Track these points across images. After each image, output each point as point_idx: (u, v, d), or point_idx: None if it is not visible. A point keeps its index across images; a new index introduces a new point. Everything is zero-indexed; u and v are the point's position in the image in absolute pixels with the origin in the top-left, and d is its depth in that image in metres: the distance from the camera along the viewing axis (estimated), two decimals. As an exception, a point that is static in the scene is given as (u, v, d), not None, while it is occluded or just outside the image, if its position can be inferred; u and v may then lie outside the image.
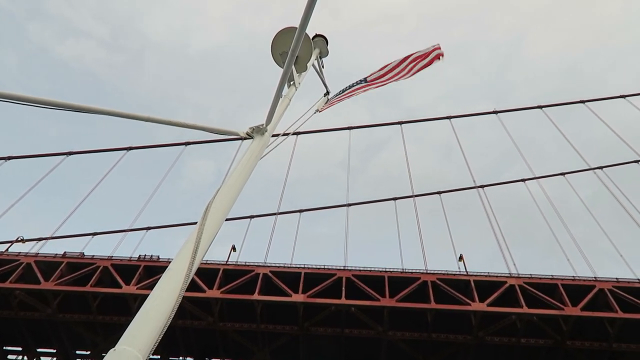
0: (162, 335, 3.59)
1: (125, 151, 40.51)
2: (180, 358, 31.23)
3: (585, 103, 47.50)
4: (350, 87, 9.25)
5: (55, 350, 31.61)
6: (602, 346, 25.59)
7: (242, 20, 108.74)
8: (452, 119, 45.76)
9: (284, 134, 6.90)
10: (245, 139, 6.04)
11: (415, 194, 40.56)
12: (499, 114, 46.48)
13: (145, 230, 37.93)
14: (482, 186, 42.17)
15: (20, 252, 29.55)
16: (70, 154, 39.97)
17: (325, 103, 8.53)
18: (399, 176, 41.34)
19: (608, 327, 25.15)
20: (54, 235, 35.34)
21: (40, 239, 35.35)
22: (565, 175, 44.28)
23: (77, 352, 31.50)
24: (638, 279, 26.66)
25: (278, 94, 6.00)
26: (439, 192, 42.54)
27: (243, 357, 29.84)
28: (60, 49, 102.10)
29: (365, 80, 9.41)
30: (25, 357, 31.61)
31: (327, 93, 8.62)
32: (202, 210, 4.47)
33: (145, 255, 29.38)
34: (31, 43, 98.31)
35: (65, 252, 29.55)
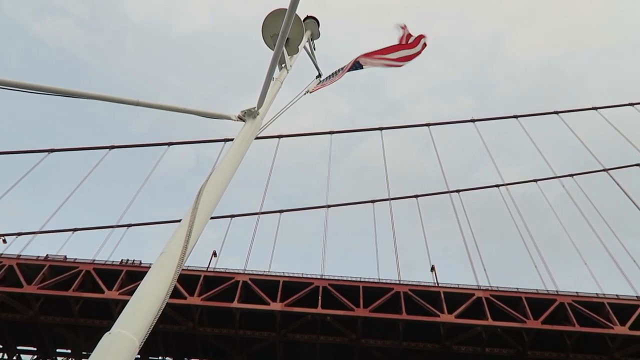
0: (157, 319, 3.67)
1: (108, 150, 40.80)
2: (160, 358, 32.15)
3: (559, 114, 49.21)
4: (341, 69, 9.24)
5: (35, 349, 32.17)
6: (560, 356, 27.37)
7: (226, 4, 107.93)
8: (430, 126, 47.10)
9: (275, 117, 6.78)
10: (238, 121, 5.96)
11: (392, 197, 41.91)
12: (476, 122, 47.89)
13: (126, 228, 38.43)
14: (457, 191, 43.74)
15: (2, 254, 29.88)
16: (51, 152, 40.05)
17: (317, 84, 8.48)
18: (379, 166, 42.25)
19: (566, 339, 26.89)
20: (34, 231, 35.79)
21: (19, 234, 35.69)
22: (538, 182, 46.19)
23: (58, 350, 32.16)
24: (596, 294, 28.39)
25: (269, 77, 5.92)
26: (416, 196, 43.83)
27: (221, 359, 30.92)
28: (36, 27, 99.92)
29: (358, 63, 9.40)
30: (5, 355, 32.12)
31: (319, 75, 8.58)
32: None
33: (127, 259, 30.02)
34: (5, 19, 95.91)
35: (47, 255, 29.98)
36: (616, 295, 28.44)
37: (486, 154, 46.64)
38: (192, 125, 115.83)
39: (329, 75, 8.98)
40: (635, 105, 50.56)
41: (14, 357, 32.00)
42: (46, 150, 39.84)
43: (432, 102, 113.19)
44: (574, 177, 46.11)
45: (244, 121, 5.92)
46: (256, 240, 35.62)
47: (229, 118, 5.96)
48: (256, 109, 5.95)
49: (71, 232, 37.64)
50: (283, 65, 7.21)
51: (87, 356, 30.65)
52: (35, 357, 32.24)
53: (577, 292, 28.56)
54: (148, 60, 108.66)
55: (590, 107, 49.81)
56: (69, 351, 32.18)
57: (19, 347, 32.20)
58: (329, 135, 46.18)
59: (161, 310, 3.71)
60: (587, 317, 26.72)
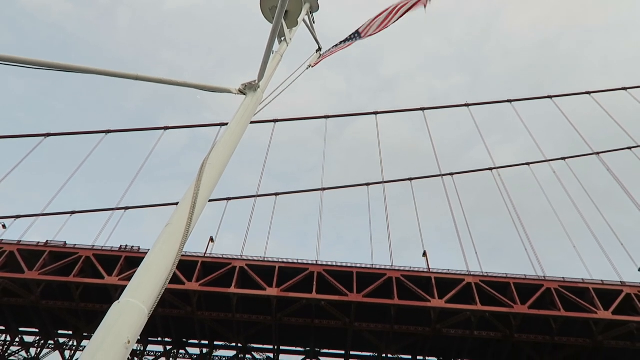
0: (164, 288, 3.72)
1: (104, 134, 40.98)
2: (159, 339, 33.08)
3: (552, 98, 49.57)
4: (343, 42, 9.24)
5: (37, 330, 32.99)
6: (545, 339, 28.44)
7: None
8: (425, 110, 47.38)
9: (277, 91, 6.79)
10: (238, 94, 5.89)
11: (386, 177, 42.58)
12: (470, 106, 48.20)
13: (123, 210, 38.92)
14: (450, 174, 44.39)
15: (2, 240, 30.38)
16: (47, 136, 40.21)
17: (318, 58, 8.41)
18: (374, 143, 42.66)
19: (552, 323, 27.91)
20: (33, 214, 36.28)
21: (18, 217, 36.18)
22: (530, 165, 46.82)
23: (60, 332, 32.99)
24: (582, 279, 29.34)
25: (269, 50, 5.88)
26: (410, 179, 44.47)
27: (219, 341, 31.90)
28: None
29: (358, 33, 9.41)
30: (8, 337, 32.93)
31: (320, 49, 8.52)
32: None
33: (126, 245, 30.62)
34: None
35: (47, 240, 30.52)
36: (601, 280, 29.40)
37: (482, 131, 47.11)
38: (186, 102, 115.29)
39: (330, 48, 8.95)
40: (628, 90, 50.94)
41: (17, 339, 32.86)
42: (42, 135, 39.99)
43: (427, 79, 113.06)
44: (566, 160, 46.90)
45: (244, 95, 5.89)
46: (252, 219, 36.35)
47: (229, 91, 5.93)
48: (257, 82, 5.90)
49: (69, 214, 38.10)
50: (282, 39, 7.09)
51: (89, 337, 31.51)
52: (38, 338, 33.10)
53: (563, 278, 29.50)
54: (140, 35, 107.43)
55: (584, 91, 50.14)
56: (71, 332, 33.03)
57: (21, 329, 33.01)
58: (323, 113, 46.55)
59: (168, 280, 3.76)
60: (572, 302, 27.68)
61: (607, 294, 28.26)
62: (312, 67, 8.12)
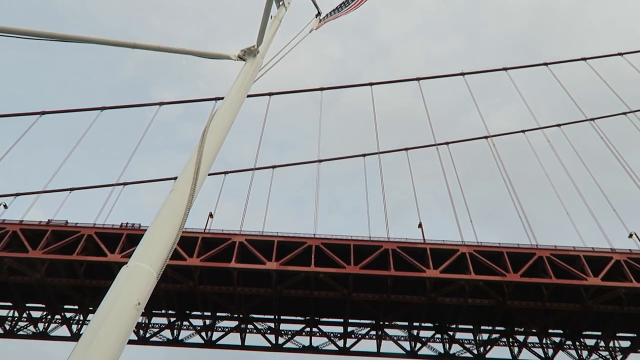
0: (172, 252, 3.81)
1: (99, 111, 40.93)
2: (163, 311, 34.01)
3: (548, 65, 49.40)
4: (343, 5, 9.14)
5: (44, 306, 33.84)
6: (537, 305, 29.43)
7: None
8: (420, 80, 47.26)
9: (278, 56, 6.76)
10: (238, 60, 5.85)
11: (382, 146, 43.00)
12: (465, 75, 48.07)
13: (122, 186, 39.30)
14: (446, 143, 44.74)
15: (4, 220, 30.87)
16: (43, 114, 40.18)
17: (319, 22, 8.38)
18: (370, 110, 42.84)
19: (543, 289, 28.84)
20: (32, 191, 36.70)
21: (18, 194, 36.59)
22: (525, 132, 47.05)
23: (66, 307, 33.87)
24: (573, 247, 30.13)
25: (266, 14, 5.89)
26: (406, 149, 44.77)
27: (221, 312, 32.89)
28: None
29: None
30: (16, 312, 33.81)
31: (319, 14, 8.44)
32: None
33: (127, 223, 31.15)
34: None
35: (49, 220, 31.01)
36: (591, 248, 30.22)
37: (479, 96, 47.24)
38: (179, 71, 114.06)
39: (330, 12, 8.91)
40: (624, 55, 50.72)
41: (24, 314, 33.76)
42: (37, 113, 39.97)
43: (423, 43, 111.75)
44: (561, 127, 47.18)
45: (244, 60, 5.82)
46: (250, 190, 36.92)
47: (228, 58, 5.88)
48: (256, 47, 5.84)
49: (68, 191, 38.47)
50: (281, 3, 6.97)
51: (94, 311, 32.45)
52: (45, 313, 33.99)
53: (555, 246, 30.30)
54: (129, 2, 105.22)
55: (580, 57, 49.90)
56: (76, 307, 33.91)
57: (28, 305, 33.87)
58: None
59: (175, 244, 3.88)
60: (563, 270, 28.54)
61: (597, 260, 29.09)
62: (316, 30, 8.11)
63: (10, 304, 33.48)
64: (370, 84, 45.44)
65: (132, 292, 3.53)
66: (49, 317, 33.33)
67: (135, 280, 3.61)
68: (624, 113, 46.97)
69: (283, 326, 33.05)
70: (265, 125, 41.31)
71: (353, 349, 32.30)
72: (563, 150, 43.96)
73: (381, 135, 43.76)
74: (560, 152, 43.54)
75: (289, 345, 32.58)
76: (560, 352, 32.13)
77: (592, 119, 46.35)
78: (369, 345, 32.49)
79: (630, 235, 31.62)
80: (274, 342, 32.47)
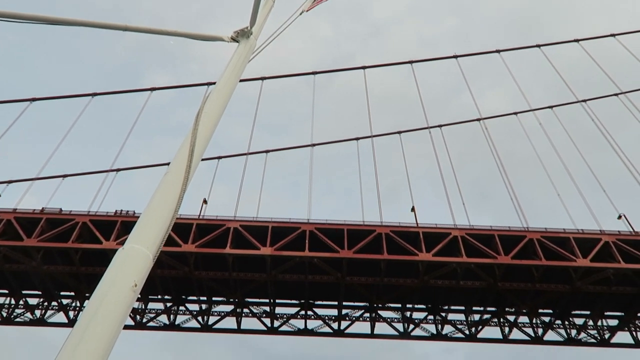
0: (167, 234, 3.77)
1: (91, 97, 40.64)
2: (159, 297, 34.35)
3: (540, 47, 49.38)
4: None
5: (40, 293, 34.06)
6: (527, 286, 30.01)
7: None
8: (413, 63, 47.15)
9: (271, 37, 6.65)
10: (231, 42, 5.76)
11: (375, 128, 43.12)
12: (458, 57, 47.99)
13: (115, 172, 39.27)
14: (439, 126, 44.90)
15: (-2, 208, 30.84)
16: (34, 100, 39.84)
17: (311, 3, 8.28)
18: (364, 92, 42.87)
19: (534, 271, 29.36)
20: (25, 178, 36.63)
21: (10, 182, 36.50)
22: (517, 114, 47.23)
23: (62, 293, 34.10)
24: (563, 229, 30.60)
25: None
26: (399, 132, 44.90)
27: (217, 297, 33.29)
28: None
29: None
30: (12, 300, 34.02)
31: None
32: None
33: (121, 210, 31.24)
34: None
35: (43, 208, 31.03)
36: (581, 230, 30.70)
37: (472, 77, 47.34)
38: (171, 54, 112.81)
39: None
40: (616, 36, 50.75)
41: (21, 301, 33.99)
42: (28, 100, 39.62)
43: (416, 23, 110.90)
44: (553, 108, 47.43)
45: (237, 42, 5.74)
46: (244, 174, 37.09)
47: (221, 39, 5.79)
48: (249, 28, 5.76)
49: (61, 178, 38.40)
50: None
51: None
52: (41, 300, 34.23)
53: (545, 228, 30.75)
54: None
55: (572, 39, 49.90)
56: (73, 294, 34.15)
57: (24, 292, 34.06)
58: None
59: (171, 226, 3.83)
60: (553, 251, 29.02)
61: (586, 242, 29.58)
62: (307, 11, 7.98)
63: (6, 291, 33.68)
64: (363, 68, 45.30)
65: (129, 274, 3.53)
66: (46, 303, 33.59)
67: (132, 262, 3.60)
68: (616, 94, 47.18)
69: (278, 310, 33.53)
70: (259, 108, 41.29)
71: (347, 331, 32.91)
72: (556, 130, 44.31)
73: (374, 116, 43.87)
74: (553, 133, 43.91)
75: (284, 328, 33.11)
76: (550, 331, 32.87)
77: (584, 100, 46.61)
78: (363, 327, 33.17)
79: (620, 217, 32.12)
80: (269, 325, 32.97)
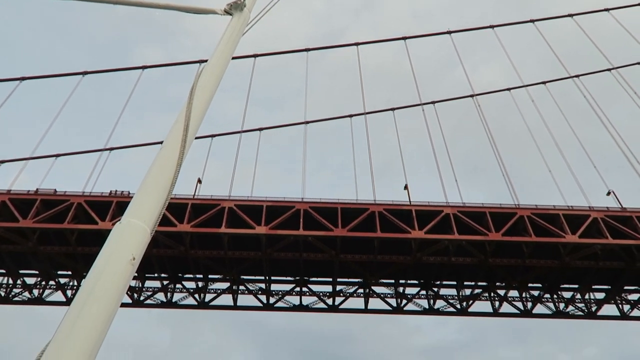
0: (164, 209, 3.75)
1: (82, 76, 40.22)
2: (156, 275, 34.80)
3: (534, 22, 49.13)
4: None
5: (38, 272, 34.39)
6: (517, 262, 30.67)
7: None
8: (407, 39, 46.84)
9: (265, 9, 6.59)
10: (224, 15, 5.68)
11: (368, 104, 43.15)
12: (452, 33, 47.71)
13: (108, 151, 39.21)
14: (432, 102, 44.96)
15: (-8, 190, 30.82)
16: (23, 79, 39.40)
17: None
18: (357, 65, 42.82)
19: (524, 247, 29.98)
20: (18, 158, 36.54)
21: (2, 162, 36.44)
22: (511, 90, 47.31)
23: (59, 272, 34.46)
24: (553, 206, 31.13)
25: None
26: (392, 109, 44.98)
27: (213, 274, 33.79)
28: None
29: None
30: (10, 280, 34.34)
31: None
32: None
33: (116, 190, 31.35)
34: None
35: (37, 189, 31.06)
36: (570, 206, 31.25)
37: (466, 51, 47.43)
38: (161, 28, 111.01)
39: None
40: (610, 11, 50.55)
41: (18, 281, 34.33)
42: (17, 79, 39.18)
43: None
44: (546, 84, 47.56)
45: (231, 15, 5.67)
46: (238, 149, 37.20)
47: (214, 12, 5.70)
48: (243, 0, 5.69)
49: (54, 158, 38.31)
50: None
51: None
52: (39, 279, 34.59)
53: (536, 205, 31.26)
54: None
55: (566, 14, 49.70)
56: (70, 273, 34.52)
57: (21, 272, 34.35)
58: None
59: (168, 200, 3.83)
60: (543, 228, 29.59)
61: (575, 218, 30.14)
62: None
63: (3, 271, 33.97)
64: (356, 44, 44.99)
65: (127, 247, 3.51)
66: (43, 283, 33.97)
67: (129, 236, 3.58)
68: (609, 69, 47.29)
69: (274, 287, 34.14)
70: (252, 83, 41.13)
71: (342, 306, 33.64)
72: (549, 105, 44.52)
73: (368, 91, 43.85)
74: (546, 108, 44.16)
75: (280, 304, 33.78)
76: (539, 304, 33.76)
77: (577, 76, 46.74)
78: (357, 302, 33.90)
79: (609, 193, 32.66)
80: (265, 302, 33.61)
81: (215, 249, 30.46)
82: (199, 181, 32.84)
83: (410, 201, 31.37)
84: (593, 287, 34.12)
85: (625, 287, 33.86)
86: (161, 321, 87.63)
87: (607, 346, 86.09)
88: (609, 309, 33.98)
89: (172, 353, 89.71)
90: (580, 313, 33.75)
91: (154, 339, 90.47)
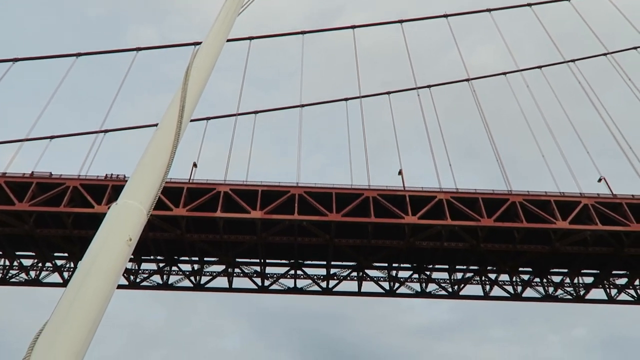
0: (161, 190, 3.74)
1: (75, 57, 39.88)
2: (152, 257, 35.14)
3: (531, 6, 48.94)
4: None
5: (34, 254, 34.62)
6: (508, 247, 31.20)
7: None
8: (403, 23, 46.61)
9: None
10: None
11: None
12: (448, 17, 47.52)
13: (103, 133, 39.15)
14: (428, 86, 45.01)
15: (-13, 173, 30.83)
16: (16, 61, 39.02)
17: None
18: (352, 44, 42.81)
19: (515, 233, 30.48)
20: (12, 139, 36.45)
21: (-3, 143, 36.31)
22: (507, 74, 47.36)
23: (55, 254, 34.72)
24: (545, 192, 31.54)
25: None
26: (387, 93, 45.05)
27: (208, 257, 34.18)
28: None
29: None
30: (6, 261, 34.60)
31: None
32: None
33: (111, 174, 31.44)
34: None
35: (32, 172, 31.10)
36: (562, 192, 31.68)
37: (463, 32, 47.29)
38: (155, 5, 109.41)
39: None
40: (608, -6, 50.34)
41: (15, 262, 34.60)
42: (10, 60, 38.80)
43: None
44: (542, 69, 47.65)
45: None
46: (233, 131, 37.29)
47: None
48: None
49: (48, 139, 38.23)
50: None
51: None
52: (36, 261, 34.85)
53: (528, 191, 31.67)
54: None
55: (563, -2, 49.50)
56: (66, 255, 34.79)
57: (18, 253, 34.60)
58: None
59: (164, 181, 3.83)
60: (534, 214, 30.04)
61: (566, 205, 30.60)
62: None
63: (0, 252, 34.19)
64: (352, 27, 44.77)
65: (123, 228, 3.50)
66: (40, 265, 34.25)
67: (126, 217, 3.57)
68: (604, 54, 47.36)
69: (268, 269, 34.60)
70: (247, 63, 41.03)
71: (335, 289, 34.18)
72: (546, 87, 44.66)
73: (363, 70, 43.81)
74: (543, 90, 44.34)
75: (274, 287, 34.28)
76: (529, 288, 34.45)
77: (572, 60, 46.83)
78: (350, 285, 34.44)
79: (600, 180, 33.09)
80: (260, 284, 34.10)
81: (211, 232, 30.76)
82: (195, 165, 32.97)
83: (404, 186, 31.69)
84: (582, 271, 34.81)
85: (614, 272, 34.59)
86: (156, 300, 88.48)
87: (595, 327, 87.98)
88: (597, 293, 34.76)
89: (167, 331, 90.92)
90: (569, 297, 34.50)
91: (149, 318, 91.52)
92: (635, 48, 47.26)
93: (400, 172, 33.29)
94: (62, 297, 3.26)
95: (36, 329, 3.18)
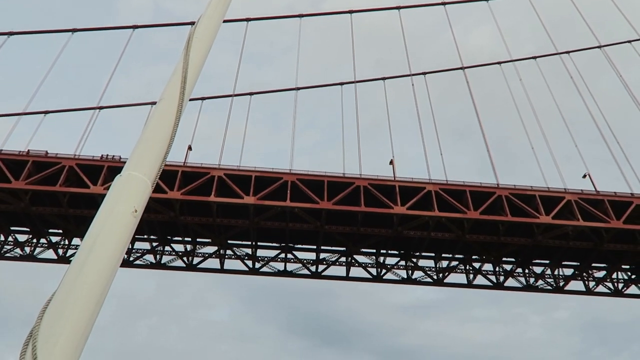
0: (164, 162, 3.79)
1: (71, 33, 39.68)
2: (145, 236, 35.82)
3: (529, -3, 49.01)
4: None
5: (29, 229, 35.17)
6: (492, 239, 32.22)
7: None
8: (401, 9, 46.66)
9: None
10: None
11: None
12: (446, 4, 47.61)
13: (98, 110, 39.33)
14: (423, 73, 45.38)
15: (-17, 149, 31.09)
16: (12, 34, 38.79)
17: None
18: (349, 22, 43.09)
19: (500, 226, 31.46)
20: (7, 113, 36.58)
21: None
22: (501, 64, 47.76)
23: (50, 230, 35.29)
24: (531, 187, 32.43)
25: None
26: (383, 78, 45.40)
27: (201, 239, 34.94)
28: None
29: None
30: (2, 236, 35.11)
31: None
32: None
33: (107, 155, 31.81)
34: None
35: (28, 150, 31.38)
36: (547, 187, 32.59)
37: (459, 15, 48.05)
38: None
39: None
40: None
41: (10, 238, 35.13)
42: (5, 34, 38.57)
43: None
44: (537, 59, 48.11)
45: None
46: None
47: None
48: None
49: (43, 114, 38.37)
50: None
51: (81, 237, 33.89)
52: (30, 237, 35.40)
53: (514, 185, 32.54)
54: None
55: (561, -11, 49.56)
56: (61, 231, 35.36)
57: (13, 228, 35.13)
58: None
59: (168, 153, 3.87)
60: (519, 208, 30.99)
61: (550, 199, 31.55)
62: None
63: (-6, 227, 34.68)
64: (350, 12, 44.77)
65: (128, 199, 3.51)
66: (35, 241, 34.82)
67: (130, 188, 3.58)
68: (599, 47, 47.84)
69: (260, 252, 35.47)
70: (241, 37, 41.10)
71: (324, 273, 35.17)
72: (540, 76, 45.19)
73: (358, 50, 44.03)
74: (536, 77, 44.90)
75: (265, 269, 35.20)
76: (511, 278, 35.68)
77: (567, 52, 47.30)
78: (339, 270, 35.45)
79: (584, 176, 34.01)
80: (251, 266, 35.00)
81: (205, 215, 31.44)
82: (190, 148, 33.40)
83: (394, 176, 32.43)
84: (563, 263, 36.05)
85: (593, 265, 35.87)
86: (147, 272, 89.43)
87: (576, 310, 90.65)
88: (576, 285, 36.07)
89: (156, 302, 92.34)
90: (549, 287, 35.80)
91: (139, 288, 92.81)
92: (629, 41, 47.80)
93: (391, 162, 33.98)
94: (69, 268, 3.28)
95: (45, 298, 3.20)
